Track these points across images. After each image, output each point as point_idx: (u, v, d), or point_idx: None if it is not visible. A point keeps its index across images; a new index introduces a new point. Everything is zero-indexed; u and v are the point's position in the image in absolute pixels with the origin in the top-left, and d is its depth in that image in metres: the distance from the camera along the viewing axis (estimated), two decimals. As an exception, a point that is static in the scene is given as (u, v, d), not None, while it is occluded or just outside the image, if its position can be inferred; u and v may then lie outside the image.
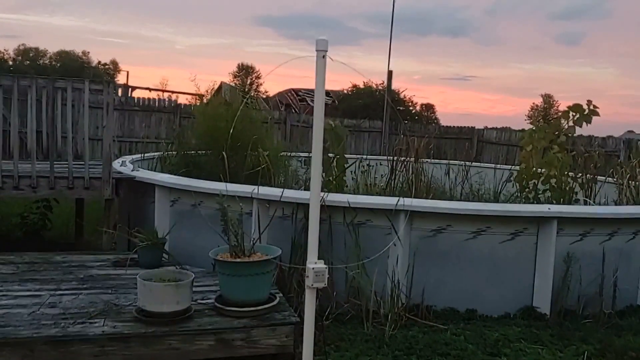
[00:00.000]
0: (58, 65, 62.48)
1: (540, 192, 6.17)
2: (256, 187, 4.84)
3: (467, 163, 8.62)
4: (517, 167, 7.00)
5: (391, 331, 4.12)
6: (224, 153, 5.80)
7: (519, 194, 6.65)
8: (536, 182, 6.26)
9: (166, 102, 13.57)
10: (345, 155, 8.24)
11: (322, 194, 4.62)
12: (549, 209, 4.69)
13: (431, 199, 6.31)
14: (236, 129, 6.86)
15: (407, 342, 3.96)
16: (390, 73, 14.40)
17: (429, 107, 52.40)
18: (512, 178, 7.11)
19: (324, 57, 2.39)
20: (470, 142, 16.02)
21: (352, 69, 2.61)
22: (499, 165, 9.06)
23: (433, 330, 4.24)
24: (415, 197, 6.14)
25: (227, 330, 3.66)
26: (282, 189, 4.76)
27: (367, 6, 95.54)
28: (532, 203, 6.12)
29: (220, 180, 5.66)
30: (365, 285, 4.44)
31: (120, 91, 21.80)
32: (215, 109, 7.79)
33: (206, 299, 4.09)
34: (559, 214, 4.64)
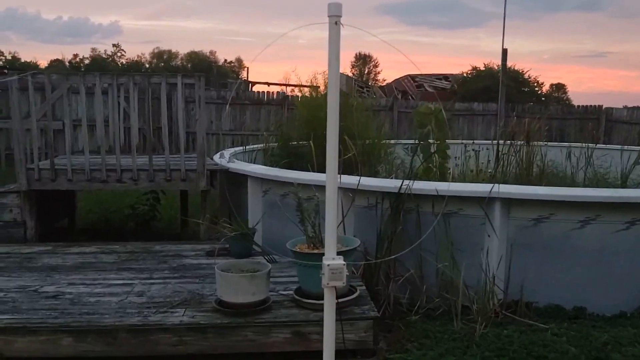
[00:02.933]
0: (189, 65, 66.43)
1: (674, 174, 5.43)
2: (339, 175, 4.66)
3: (590, 145, 7.85)
4: (648, 148, 6.27)
5: (483, 329, 3.77)
6: (311, 142, 5.70)
7: (649, 177, 5.95)
8: (669, 164, 5.52)
9: (275, 96, 13.79)
10: (453, 141, 7.85)
11: (406, 182, 4.38)
12: (673, 193, 4.06)
13: (544, 185, 5.80)
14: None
15: (500, 342, 3.60)
16: (505, 52, 13.48)
17: (559, 87, 49.11)
18: (640, 160, 6.37)
19: (336, 23, 2.14)
20: (597, 122, 14.64)
21: (382, 40, 2.34)
22: (627, 147, 8.13)
23: (532, 330, 3.83)
24: (525, 184, 5.69)
25: (303, 323, 3.56)
26: (359, 177, 4.54)
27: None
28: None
29: (313, 170, 5.59)
30: (456, 278, 4.12)
31: (239, 87, 22.63)
32: (314, 99, 7.74)
33: (288, 290, 4.01)
34: (686, 199, 3.99)
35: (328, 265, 2.58)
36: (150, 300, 3.86)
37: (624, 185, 6.33)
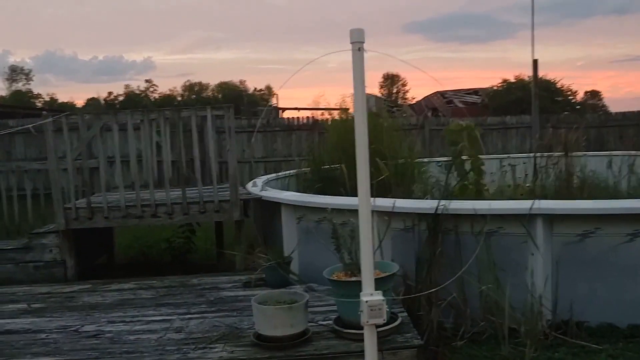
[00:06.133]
0: (220, 95, 67.56)
1: None
2: (372, 198, 4.57)
3: (632, 152, 7.60)
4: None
5: (532, 353, 3.61)
6: (342, 166, 5.64)
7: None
8: None
9: (305, 120, 13.84)
10: (488, 156, 7.69)
11: (443, 202, 4.27)
12: None
13: (586, 197, 5.60)
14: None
15: (552, 366, 3.43)
16: (535, 62, 13.26)
17: (594, 94, 48.20)
18: (688, 166, 6.13)
19: (359, 49, 2.09)
20: (637, 129, 14.19)
21: (401, 61, 2.28)
22: (670, 152, 7.84)
23: (585, 352, 3.64)
24: (566, 197, 5.50)
25: (344, 355, 3.45)
26: (393, 200, 4.44)
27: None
28: None
29: (347, 194, 5.52)
30: (500, 300, 3.97)
31: (270, 114, 22.83)
32: (344, 122, 7.71)
33: (327, 320, 3.92)
34: None
35: (366, 301, 2.46)
36: (189, 336, 3.82)
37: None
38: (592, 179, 6.75)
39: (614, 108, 43.60)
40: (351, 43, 2.11)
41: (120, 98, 66.20)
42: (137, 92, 68.57)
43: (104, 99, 65.98)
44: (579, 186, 6.28)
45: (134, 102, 57.42)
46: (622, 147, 10.90)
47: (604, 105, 43.59)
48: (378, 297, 2.43)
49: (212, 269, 6.34)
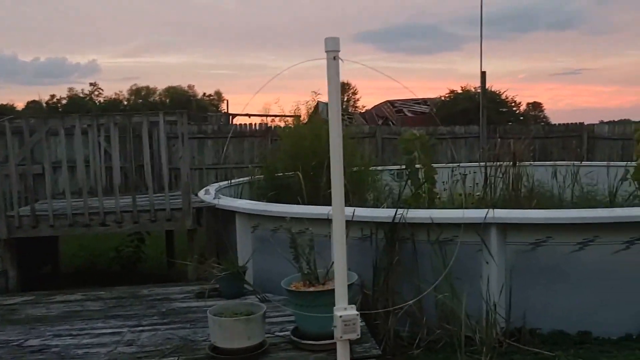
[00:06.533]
0: (167, 100, 66.35)
1: (662, 189, 5.42)
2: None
3: (575, 163, 7.86)
4: (634, 163, 6.26)
5: (488, 360, 3.65)
6: (299, 174, 5.61)
7: (638, 193, 5.92)
8: (656, 179, 5.52)
9: (257, 127, 13.72)
10: (439, 165, 7.80)
11: (401, 210, 4.29)
12: (669, 210, 4.01)
13: (535, 206, 5.74)
14: (320, 147, 6.69)
15: (507, 374, 3.48)
16: (483, 74, 13.56)
17: (536, 106, 49.87)
18: (628, 176, 6.37)
19: (335, 58, 2.06)
20: (579, 140, 14.75)
21: (382, 73, 2.27)
22: (612, 163, 8.15)
23: (538, 359, 3.72)
24: (515, 206, 5.63)
25: (302, 366, 3.40)
26: (353, 208, 4.43)
27: (465, 10, 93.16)
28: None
29: (304, 202, 5.47)
30: (456, 308, 4.00)
31: (220, 120, 22.57)
32: (298, 129, 7.68)
33: (284, 331, 3.87)
34: (683, 215, 3.95)
35: (340, 316, 2.39)
36: (141, 350, 3.68)
37: (612, 202, 6.31)
38: (538, 189, 6.94)
39: (554, 119, 45.18)
40: (326, 52, 2.06)
41: (64, 101, 64.08)
42: (82, 95, 66.53)
43: (46, 102, 63.71)
44: (527, 195, 6.44)
45: (78, 105, 55.64)
46: (566, 158, 11.27)
47: (545, 117, 45.13)
48: (352, 311, 2.38)
49: (163, 279, 6.16)
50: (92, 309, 4.68)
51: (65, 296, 5.07)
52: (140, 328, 4.13)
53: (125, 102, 65.44)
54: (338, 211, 2.25)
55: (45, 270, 6.86)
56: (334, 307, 2.44)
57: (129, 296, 5.01)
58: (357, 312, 2.42)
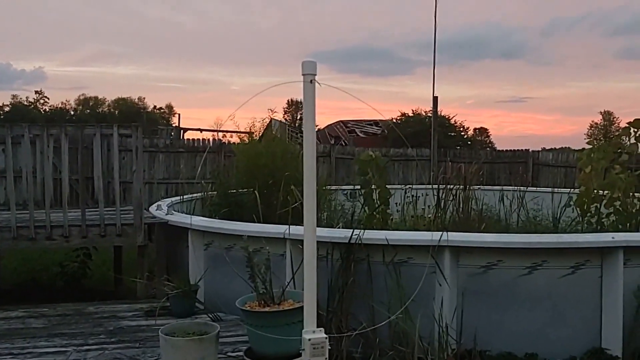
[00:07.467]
0: (116, 112, 64.97)
1: (604, 216, 5.65)
2: (288, 227, 4.54)
3: (521, 188, 8.10)
4: (577, 191, 6.49)
5: (440, 382, 3.69)
6: (256, 192, 5.57)
7: (580, 219, 6.14)
8: (598, 206, 5.74)
9: (211, 142, 13.59)
10: (392, 186, 7.90)
11: (357, 231, 4.31)
12: (612, 238, 4.17)
13: (484, 229, 5.88)
14: (276, 165, 6.67)
15: (458, 396, 3.52)
16: (435, 99, 13.96)
17: (482, 132, 51.36)
18: (571, 202, 6.60)
19: (311, 81, 2.07)
20: (525, 166, 15.29)
21: (355, 97, 2.31)
22: (556, 189, 8.46)
23: (488, 380, 3.78)
24: (466, 229, 5.75)
25: (256, 387, 3.35)
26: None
27: (418, 35, 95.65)
28: (595, 228, 5.60)
29: (259, 221, 5.42)
30: (409, 330, 4.04)
31: (170, 134, 22.23)
32: (253, 146, 7.64)
33: (237, 352, 3.81)
34: (625, 242, 4.12)
35: (309, 339, 2.35)
36: (87, 370, 3.55)
37: (556, 227, 6.53)
38: (487, 212, 7.12)
39: (499, 145, 46.66)
40: (303, 75, 2.06)
41: (7, 109, 61.81)
42: (26, 103, 64.41)
43: (-13, 109, 61.32)
44: (476, 219, 6.60)
45: (22, 113, 53.81)
46: (513, 183, 11.64)
47: (491, 142, 46.59)
48: (321, 334, 2.34)
49: (110, 296, 5.98)
50: (35, 326, 4.50)
51: (6, 312, 4.85)
52: (87, 347, 3.99)
53: (72, 112, 63.76)
54: (310, 231, 2.25)
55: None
56: (303, 330, 2.41)
57: (75, 313, 4.83)
58: (325, 336, 2.40)
